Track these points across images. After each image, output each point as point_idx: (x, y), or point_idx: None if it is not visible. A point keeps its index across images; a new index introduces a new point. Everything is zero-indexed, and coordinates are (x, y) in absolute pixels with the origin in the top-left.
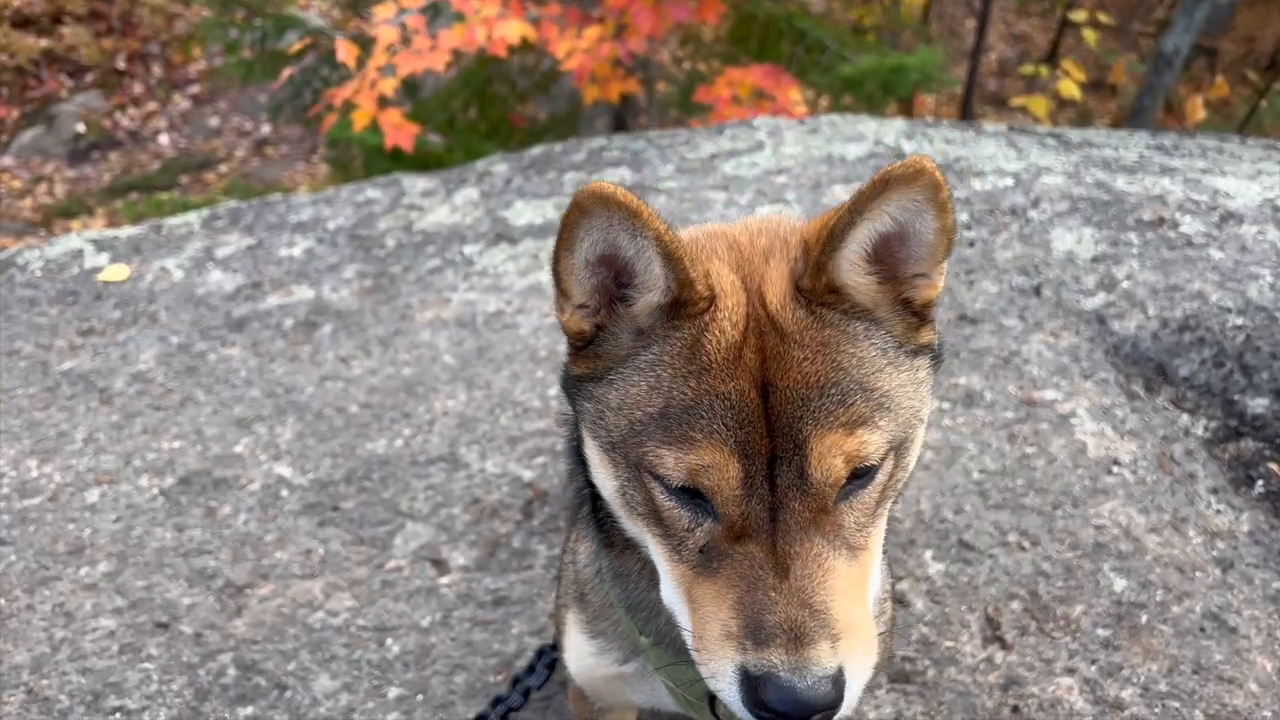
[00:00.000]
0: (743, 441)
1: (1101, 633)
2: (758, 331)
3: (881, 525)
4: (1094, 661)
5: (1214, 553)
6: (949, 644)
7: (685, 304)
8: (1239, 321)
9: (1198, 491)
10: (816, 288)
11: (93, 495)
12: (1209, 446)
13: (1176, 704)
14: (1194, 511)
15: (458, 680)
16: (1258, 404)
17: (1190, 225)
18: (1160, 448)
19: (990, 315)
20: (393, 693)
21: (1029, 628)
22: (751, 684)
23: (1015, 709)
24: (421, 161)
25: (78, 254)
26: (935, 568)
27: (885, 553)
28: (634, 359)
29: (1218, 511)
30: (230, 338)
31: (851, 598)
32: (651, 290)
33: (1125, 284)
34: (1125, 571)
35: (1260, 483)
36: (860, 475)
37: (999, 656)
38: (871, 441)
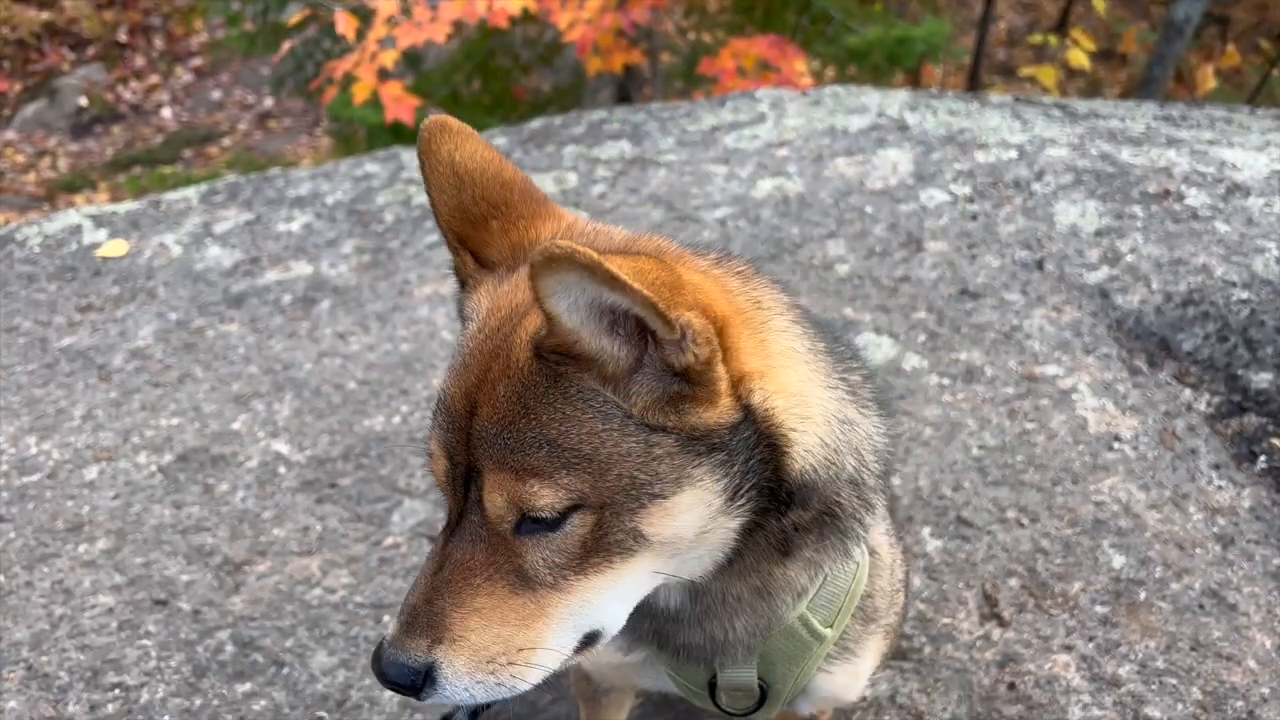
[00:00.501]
0: (447, 444)
1: (1100, 609)
2: (491, 352)
3: (594, 575)
4: (1091, 638)
5: (1214, 529)
6: (946, 621)
7: (463, 281)
8: (1244, 295)
9: (1199, 467)
10: (545, 344)
11: (91, 472)
12: (1211, 422)
13: (1174, 681)
14: (1195, 487)
15: None
16: (1262, 379)
17: (1196, 198)
18: (1162, 423)
19: (992, 290)
20: None
21: (1027, 605)
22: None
23: (1011, 686)
24: None
25: (76, 230)
26: (933, 544)
27: (900, 541)
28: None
29: (1219, 487)
30: (228, 314)
31: (489, 618)
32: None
33: (1129, 258)
34: (1124, 548)
35: (1263, 458)
36: (540, 522)
37: (996, 633)
38: (542, 495)
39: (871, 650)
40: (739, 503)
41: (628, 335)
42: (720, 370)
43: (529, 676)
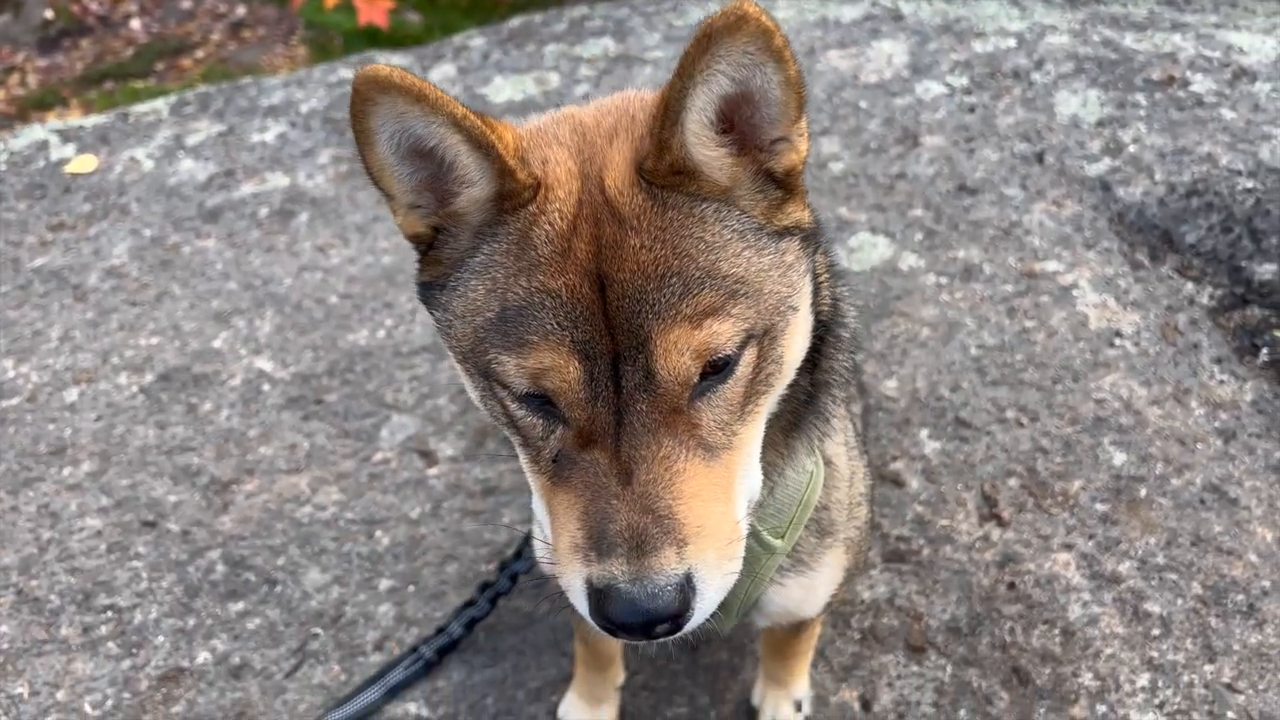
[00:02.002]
0: (581, 341)
1: (1100, 507)
2: (593, 220)
3: (755, 423)
4: (1091, 536)
5: (1216, 424)
6: (944, 523)
7: (508, 195)
8: (1249, 184)
9: (1201, 362)
10: (659, 169)
11: (72, 394)
12: (1214, 315)
13: (1174, 576)
14: (1197, 382)
15: (449, 570)
16: (1266, 270)
17: (1201, 84)
18: (1164, 318)
19: (990, 185)
20: (384, 584)
21: (1026, 504)
22: (598, 597)
23: (1011, 585)
24: (400, 42)
25: (43, 145)
26: (931, 446)
27: (865, 453)
28: (471, 260)
29: (1221, 382)
30: (204, 229)
31: (707, 500)
32: (471, 183)
33: (1132, 148)
34: (1125, 445)
35: (1265, 350)
36: (717, 370)
37: (995, 534)
38: (723, 332)
39: (829, 564)
40: (812, 320)
41: (731, 141)
42: (801, 173)
43: (742, 550)
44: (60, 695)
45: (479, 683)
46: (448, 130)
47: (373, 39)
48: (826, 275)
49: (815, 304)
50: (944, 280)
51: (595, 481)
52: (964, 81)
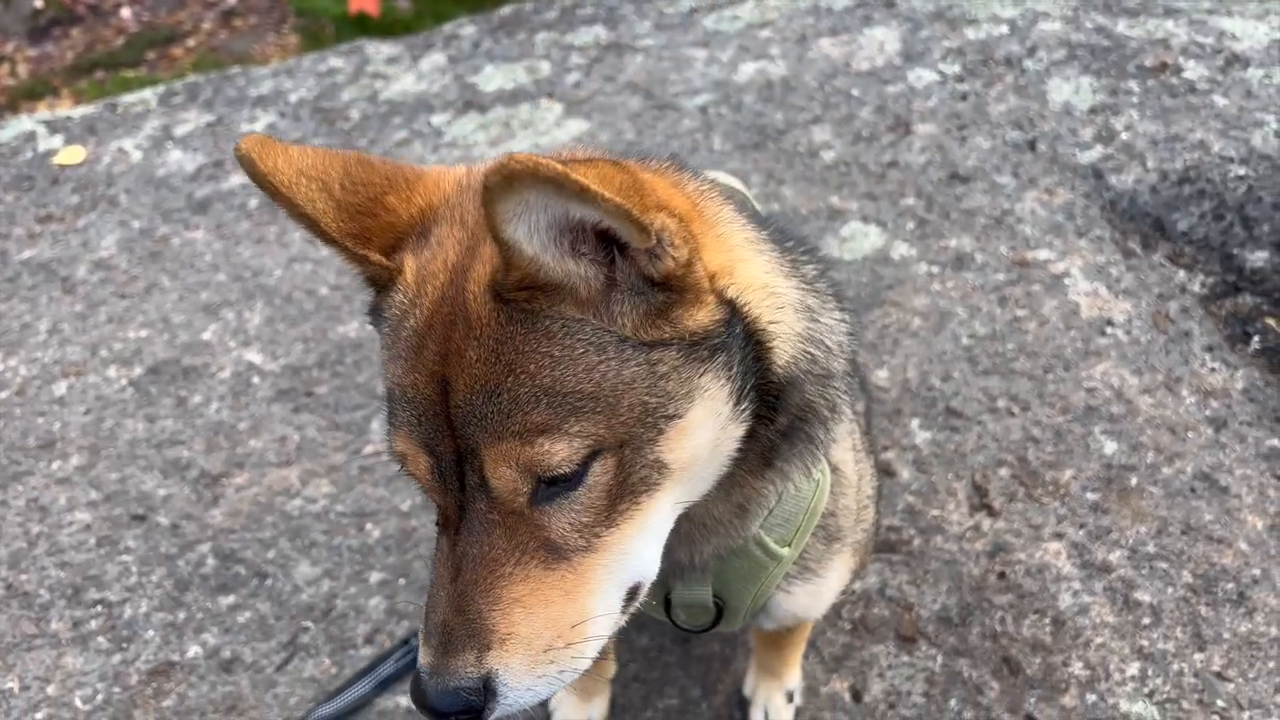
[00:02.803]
0: (426, 436)
1: (1090, 496)
2: (446, 322)
3: (631, 522)
4: (1082, 526)
5: (1207, 412)
6: (935, 512)
7: (371, 279)
8: (1241, 171)
9: (1192, 350)
10: (507, 283)
11: (60, 388)
12: (1205, 303)
13: (1164, 565)
14: (1188, 371)
15: None
16: (1257, 257)
17: (1194, 70)
18: (1155, 306)
19: (982, 173)
20: (374, 577)
21: (1017, 494)
22: (414, 675)
23: (1002, 575)
24: (390, 29)
25: (30, 136)
26: (922, 436)
27: (872, 454)
28: (380, 323)
29: (1212, 370)
30: (193, 220)
31: (530, 605)
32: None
33: (1124, 136)
34: (1116, 434)
35: (1257, 338)
36: (569, 474)
37: (986, 524)
38: (556, 451)
39: (836, 569)
40: (742, 407)
41: (592, 253)
42: (700, 267)
43: (587, 652)
44: (51, 690)
45: None
46: (293, 213)
47: (364, 26)
48: (806, 331)
49: (775, 365)
50: (935, 269)
51: (438, 567)
52: (956, 69)
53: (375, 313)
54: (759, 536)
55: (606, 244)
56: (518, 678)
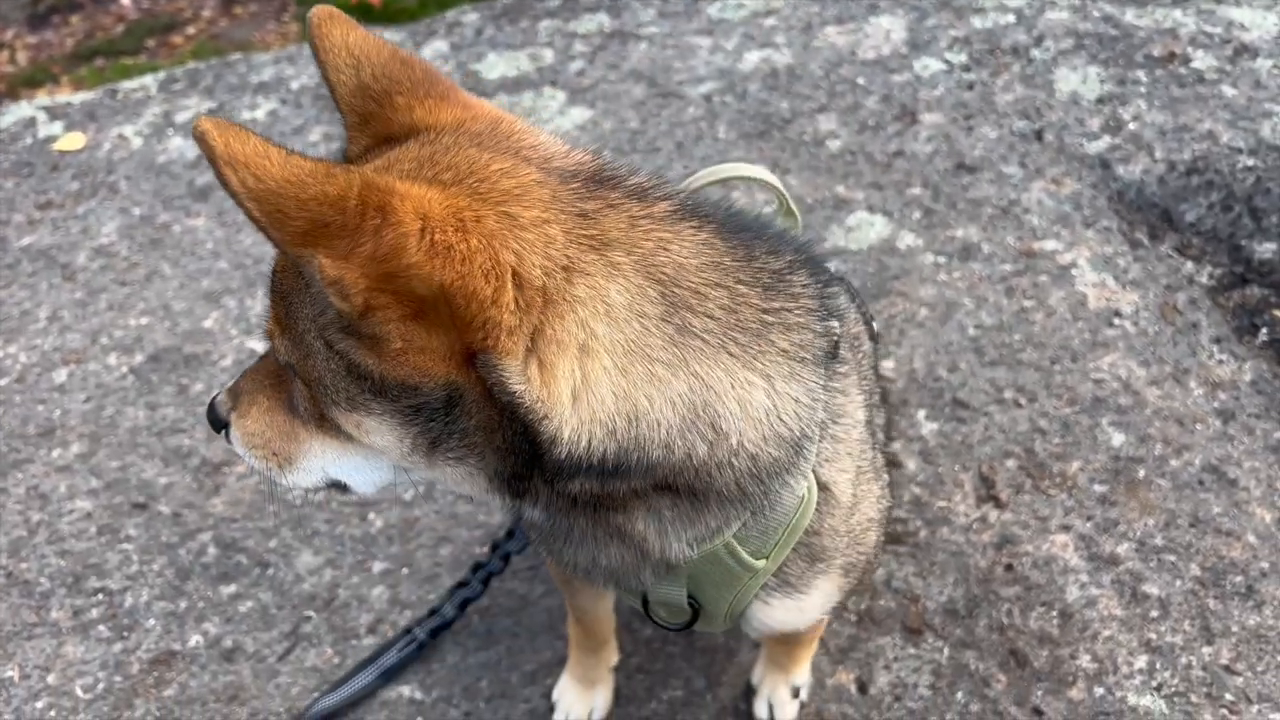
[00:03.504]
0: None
1: (1098, 489)
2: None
3: (335, 439)
4: (1090, 518)
5: (1215, 404)
6: (942, 504)
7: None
8: (1250, 162)
9: (1200, 341)
10: None
11: (61, 375)
12: (1213, 295)
13: (1172, 558)
14: (1196, 362)
15: (443, 553)
16: (1266, 249)
17: (1202, 60)
18: (1163, 297)
19: (989, 163)
20: (377, 567)
21: (1024, 486)
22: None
23: (1009, 567)
24: (393, 18)
25: (30, 123)
26: (928, 427)
27: (881, 476)
28: None
29: (1220, 361)
30: (194, 207)
31: (260, 415)
32: None
33: (1132, 126)
34: (1124, 426)
35: (1265, 330)
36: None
37: (993, 515)
38: (278, 345)
39: (820, 588)
40: (449, 452)
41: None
42: (396, 332)
43: (285, 478)
44: (51, 679)
45: (473, 665)
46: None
47: (366, 14)
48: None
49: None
50: (942, 260)
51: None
52: (963, 58)
53: None
54: (731, 546)
55: None
56: (239, 440)
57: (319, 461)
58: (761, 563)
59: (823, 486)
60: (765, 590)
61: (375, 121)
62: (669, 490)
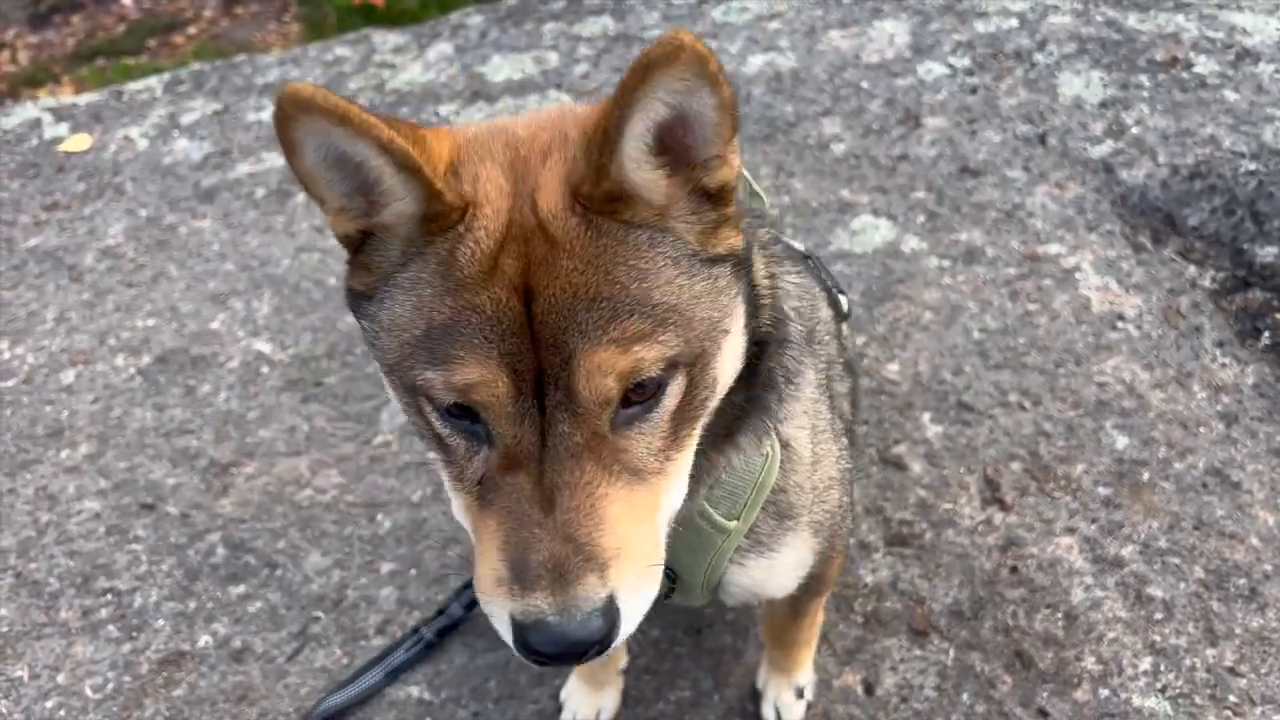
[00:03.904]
0: (507, 353)
1: (1102, 491)
2: (522, 240)
3: (688, 447)
4: (1094, 520)
5: (1218, 407)
6: (947, 506)
7: (435, 216)
8: (1252, 166)
9: (1203, 345)
10: (595, 195)
11: (68, 376)
12: (1216, 298)
13: (1176, 560)
14: (1199, 365)
15: (451, 554)
16: (1268, 252)
17: (1205, 65)
18: (1166, 301)
19: (993, 167)
20: (385, 568)
21: (1029, 488)
22: (522, 630)
23: (1014, 569)
24: (395, 19)
25: (36, 124)
26: (933, 430)
27: (844, 435)
28: (399, 275)
29: (1223, 365)
30: (200, 209)
31: (629, 522)
32: (398, 199)
33: (1135, 130)
34: (1128, 429)
35: (1267, 334)
36: (643, 400)
37: (998, 518)
38: (649, 359)
39: (792, 546)
40: (747, 317)
41: (666, 161)
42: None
43: (658, 573)
44: (61, 678)
45: (481, 666)
46: (372, 153)
47: (368, 15)
48: (770, 291)
49: (755, 323)
50: (946, 263)
51: (517, 509)
52: (966, 62)
53: (359, 294)
54: (703, 509)
55: (679, 154)
56: (635, 594)
57: (669, 504)
58: (733, 523)
59: (784, 444)
60: (739, 553)
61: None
62: (750, 391)
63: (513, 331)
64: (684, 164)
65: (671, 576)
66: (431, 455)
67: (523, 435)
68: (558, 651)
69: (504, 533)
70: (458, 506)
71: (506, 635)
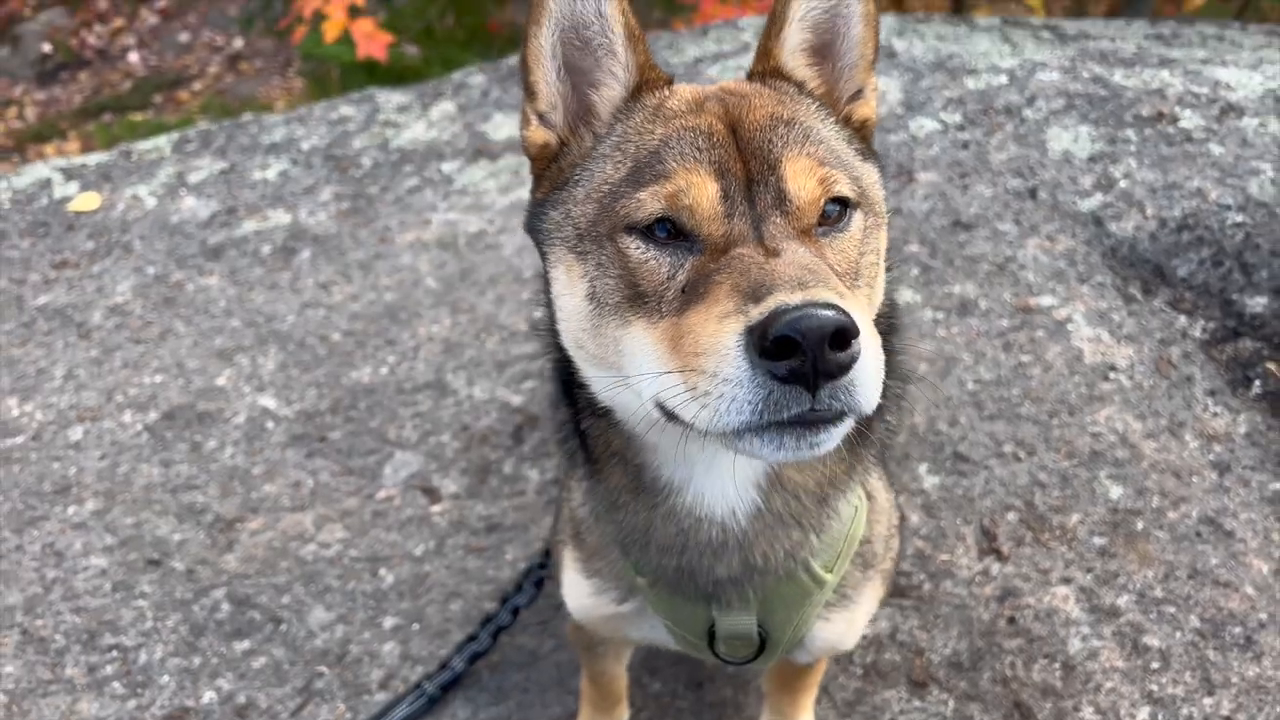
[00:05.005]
0: (716, 162)
1: (1097, 541)
2: (718, 98)
3: (860, 297)
4: (1090, 570)
5: (1211, 456)
6: (945, 557)
7: (647, 84)
8: (1239, 219)
9: (1195, 394)
10: (765, 70)
11: (76, 433)
12: (1206, 348)
13: (1172, 609)
14: (1191, 415)
15: (453, 608)
16: (1256, 303)
17: (1190, 119)
18: (1158, 351)
19: (985, 220)
20: (388, 622)
21: (1025, 538)
22: (760, 330)
23: (1011, 620)
24: (399, 75)
25: (46, 184)
26: (930, 481)
27: (892, 487)
28: (599, 148)
29: (1215, 414)
30: (207, 266)
31: (839, 287)
32: (612, 80)
33: (1123, 183)
34: (1122, 479)
35: (1258, 383)
36: (836, 215)
37: (995, 568)
38: (838, 179)
39: (869, 596)
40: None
41: (822, 81)
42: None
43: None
44: None
45: None
46: (613, 20)
47: (371, 71)
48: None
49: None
50: (940, 315)
51: (740, 266)
52: (957, 118)
53: (541, 204)
54: (807, 561)
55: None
56: (864, 341)
57: (866, 323)
58: (830, 575)
59: (869, 495)
60: (826, 606)
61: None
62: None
63: (721, 144)
64: (835, 85)
65: (762, 636)
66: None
67: (734, 229)
68: (804, 328)
69: (729, 284)
70: (652, 339)
71: (735, 361)
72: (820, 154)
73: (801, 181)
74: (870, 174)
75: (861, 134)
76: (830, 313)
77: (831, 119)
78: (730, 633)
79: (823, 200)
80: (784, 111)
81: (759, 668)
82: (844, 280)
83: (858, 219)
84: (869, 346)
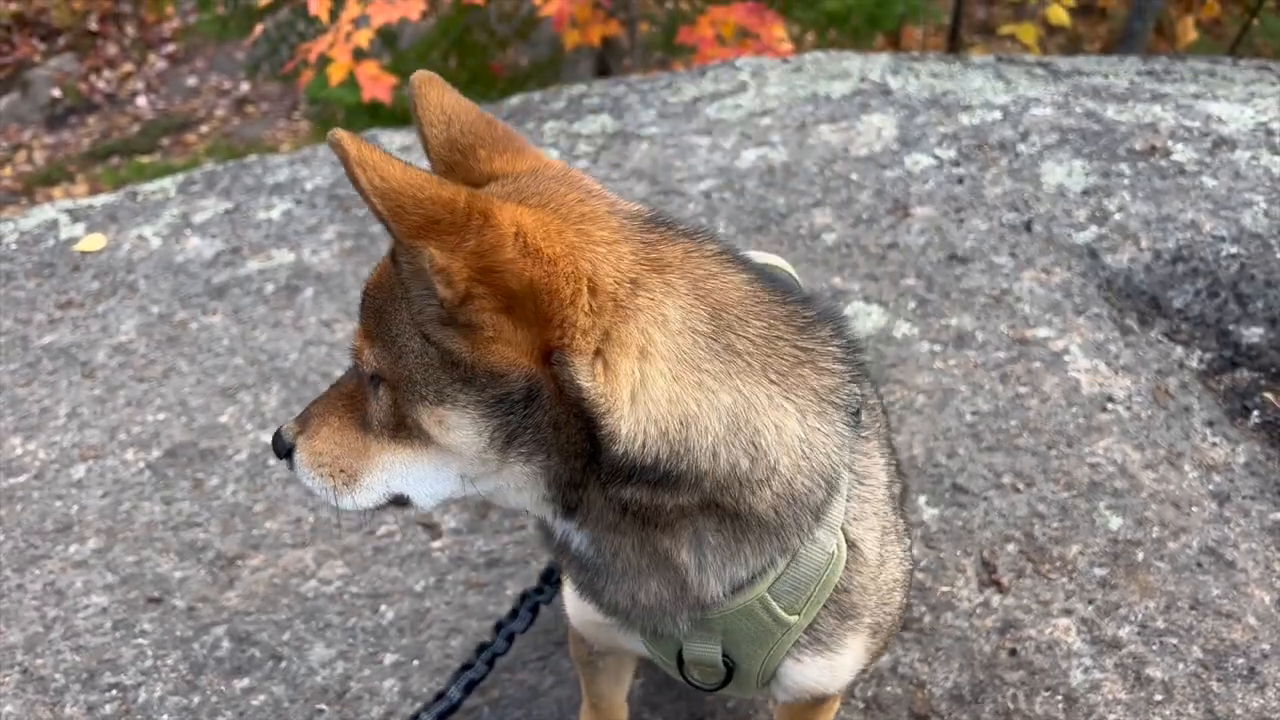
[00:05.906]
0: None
1: (1098, 572)
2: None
3: (409, 448)
4: (1091, 601)
5: (1210, 486)
6: (945, 589)
7: None
8: (1233, 250)
9: (1193, 425)
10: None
11: (79, 471)
12: (1204, 378)
13: (1174, 640)
14: (1189, 445)
15: (454, 644)
16: (1253, 333)
17: (1183, 153)
18: (1155, 382)
19: (980, 254)
20: (389, 659)
21: (1025, 570)
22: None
23: (1013, 652)
24: (403, 117)
25: (52, 225)
26: (929, 513)
27: (903, 540)
28: None
29: (1213, 444)
30: (211, 305)
31: (331, 436)
32: None
33: (1117, 216)
34: (1121, 509)
35: (1256, 413)
36: (376, 381)
37: (995, 600)
38: (365, 352)
39: (851, 648)
40: (520, 449)
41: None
42: (489, 322)
43: (346, 498)
44: None
45: None
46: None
47: (375, 113)
48: (684, 439)
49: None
50: (937, 348)
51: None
52: (952, 153)
53: None
54: (765, 600)
55: None
56: (302, 463)
57: (385, 475)
58: (794, 618)
59: (851, 544)
60: (797, 648)
61: (459, 170)
62: (714, 511)
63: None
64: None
65: (729, 665)
66: None
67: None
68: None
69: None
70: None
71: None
72: (367, 327)
73: (356, 346)
74: (425, 359)
75: (446, 310)
76: (276, 440)
77: (404, 297)
78: (696, 658)
79: (366, 368)
80: (374, 281)
81: (740, 696)
82: (381, 422)
83: (383, 390)
84: (302, 464)
